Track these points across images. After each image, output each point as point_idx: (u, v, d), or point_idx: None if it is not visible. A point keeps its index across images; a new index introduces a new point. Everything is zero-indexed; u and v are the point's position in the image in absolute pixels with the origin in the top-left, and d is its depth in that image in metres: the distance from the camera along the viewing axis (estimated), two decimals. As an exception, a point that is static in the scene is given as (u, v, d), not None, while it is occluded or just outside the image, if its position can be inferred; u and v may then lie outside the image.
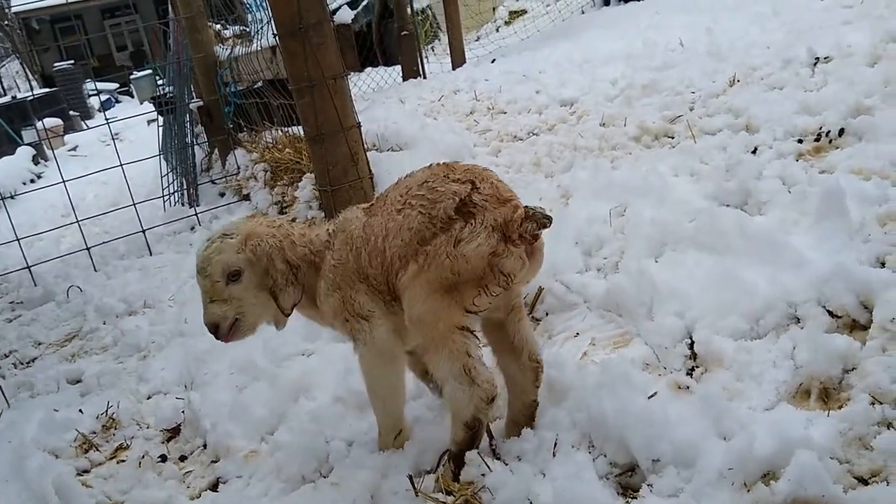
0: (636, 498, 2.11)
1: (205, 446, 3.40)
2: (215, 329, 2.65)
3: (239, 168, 7.30)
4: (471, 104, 6.83)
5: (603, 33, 8.93)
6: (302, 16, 4.10)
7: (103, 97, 27.41)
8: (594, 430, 2.33)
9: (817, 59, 4.86)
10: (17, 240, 7.11)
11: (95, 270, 7.04)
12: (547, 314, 3.38)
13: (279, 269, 2.64)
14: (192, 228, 7.37)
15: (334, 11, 4.10)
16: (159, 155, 9.13)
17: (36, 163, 16.28)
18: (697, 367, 2.66)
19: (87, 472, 3.50)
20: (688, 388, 2.48)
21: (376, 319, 2.56)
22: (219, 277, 2.62)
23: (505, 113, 6.21)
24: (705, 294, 2.88)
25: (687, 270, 3.05)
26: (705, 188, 3.72)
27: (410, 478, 2.47)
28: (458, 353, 2.37)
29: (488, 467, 2.26)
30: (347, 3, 13.02)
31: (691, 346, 2.74)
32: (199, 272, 2.65)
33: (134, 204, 7.33)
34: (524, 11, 15.71)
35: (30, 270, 7.05)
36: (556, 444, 2.34)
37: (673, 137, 4.77)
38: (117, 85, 29.91)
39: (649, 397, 2.38)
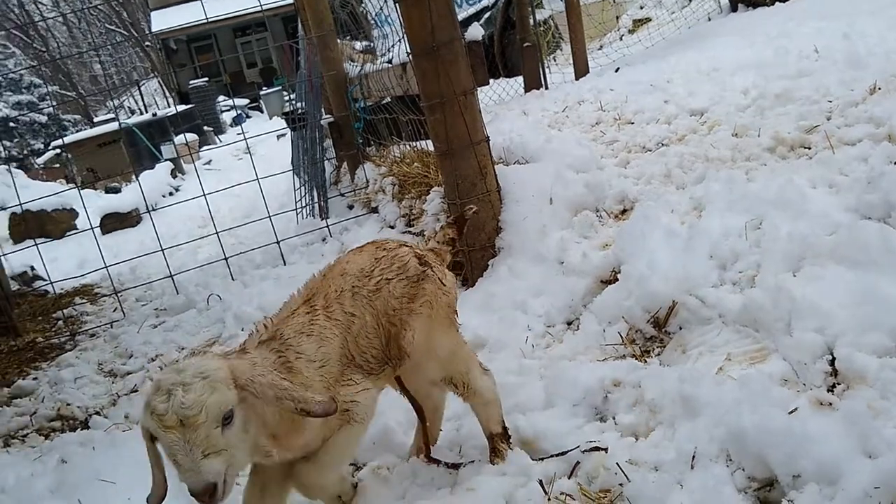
0: (777, 514, 2.10)
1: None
2: (213, 490, 2.06)
3: (368, 182, 7.54)
4: (596, 115, 6.82)
5: (731, 41, 8.72)
6: (435, 35, 4.24)
7: (235, 113, 28.77)
8: (732, 444, 2.33)
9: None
10: (162, 250, 7.58)
11: (233, 279, 7.40)
12: (680, 328, 3.36)
13: (287, 387, 2.25)
14: (324, 240, 7.65)
15: (465, 27, 4.22)
16: (291, 169, 9.54)
17: (174, 176, 17.27)
18: (839, 383, 2.60)
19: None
20: (830, 404, 2.43)
21: (369, 391, 2.58)
22: (215, 422, 2.10)
23: (632, 123, 6.18)
24: (846, 310, 2.81)
25: (827, 285, 2.98)
26: (845, 201, 3.60)
27: (541, 482, 2.54)
28: (473, 357, 2.93)
29: (626, 476, 2.29)
30: (471, 16, 13.24)
31: (832, 362, 2.68)
32: (184, 422, 2.05)
33: (270, 216, 7.68)
34: (648, 20, 15.49)
35: (172, 279, 7.49)
36: (693, 457, 2.35)
37: (809, 148, 4.64)
38: (248, 101, 31.27)
39: (790, 413, 2.35)
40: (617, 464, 2.36)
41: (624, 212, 4.69)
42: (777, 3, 10.88)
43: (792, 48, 6.79)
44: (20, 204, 9.07)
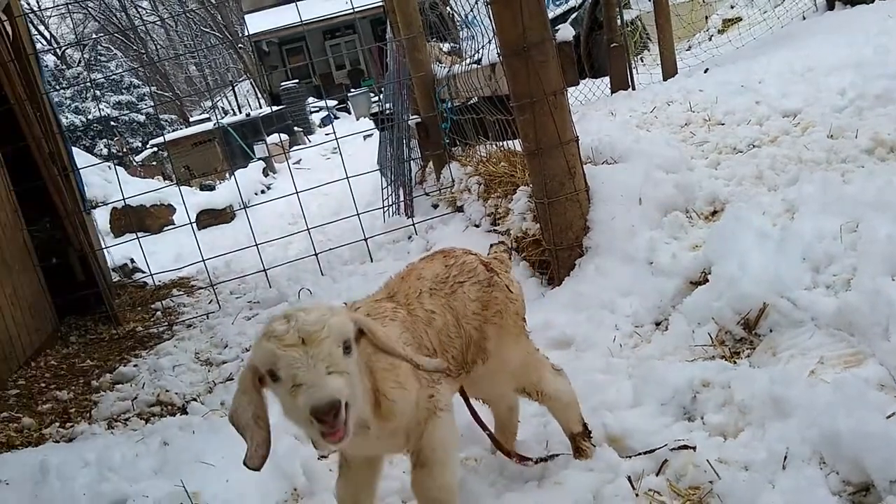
0: (872, 518, 2.08)
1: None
2: (338, 408, 1.93)
3: (453, 181, 7.63)
4: (685, 115, 6.74)
5: (827, 40, 8.47)
6: (526, 36, 4.29)
7: (323, 114, 29.38)
8: (826, 447, 2.30)
9: None
10: (256, 245, 7.85)
11: (322, 275, 7.61)
12: (771, 331, 3.31)
13: (399, 344, 2.27)
14: (410, 238, 7.78)
15: (555, 27, 4.24)
16: (379, 169, 9.74)
17: (265, 175, 17.77)
18: (939, 389, 2.55)
19: (324, 457, 3.86)
20: (930, 410, 2.39)
21: (444, 383, 2.53)
22: (338, 342, 2.02)
23: (722, 124, 6.09)
24: (949, 315, 2.74)
25: (928, 290, 2.91)
26: (949, 204, 3.50)
27: (629, 478, 2.57)
28: (544, 363, 2.90)
29: (717, 474, 2.30)
30: (557, 17, 13.21)
31: (933, 368, 2.62)
32: (307, 338, 1.97)
33: (358, 214, 7.86)
34: (739, 19, 15.15)
35: (266, 273, 7.74)
36: (785, 458, 2.34)
37: (911, 150, 4.51)
38: (336, 102, 31.91)
39: (887, 417, 2.32)
40: (707, 461, 2.37)
41: (714, 213, 4.64)
42: (877, 0, 10.50)
43: (893, 47, 6.57)
44: (124, 199, 9.45)
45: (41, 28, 44.83)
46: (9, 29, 7.57)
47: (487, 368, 2.73)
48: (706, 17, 16.49)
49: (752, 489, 2.07)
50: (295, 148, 21.93)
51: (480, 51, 6.38)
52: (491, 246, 3.11)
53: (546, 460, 2.93)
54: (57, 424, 5.18)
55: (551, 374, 2.89)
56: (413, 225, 7.81)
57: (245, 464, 2.10)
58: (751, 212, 4.02)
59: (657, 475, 2.58)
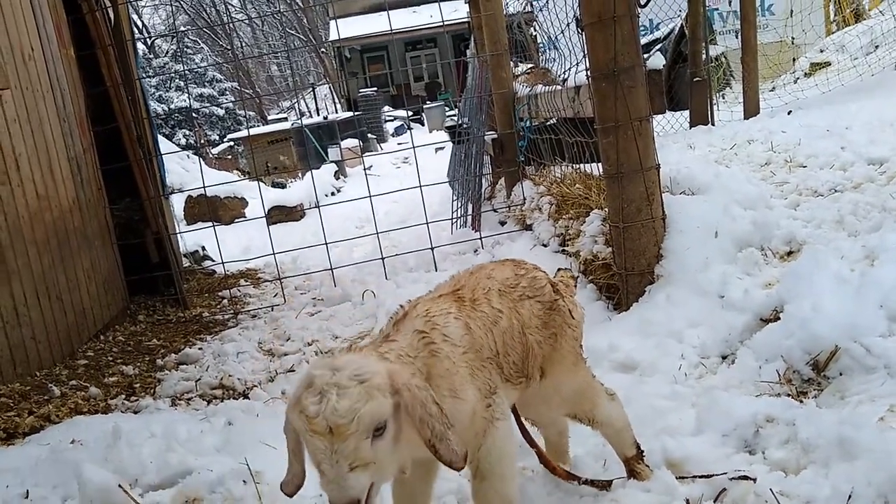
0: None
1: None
2: None
3: (525, 199, 7.69)
4: (766, 155, 6.68)
5: (921, 91, 8.32)
6: (617, 60, 4.34)
7: (397, 123, 29.74)
8: (893, 492, 2.29)
9: None
10: (326, 244, 8.02)
11: (386, 279, 7.74)
12: (840, 374, 3.29)
13: (434, 413, 2.08)
14: (476, 251, 7.86)
15: (647, 56, 4.29)
16: (449, 182, 9.87)
17: (337, 178, 18.07)
18: None
19: None
20: None
21: (500, 391, 2.44)
22: (367, 433, 1.95)
23: (804, 167, 6.03)
24: None
25: None
26: None
27: (687, 501, 2.59)
28: (598, 389, 2.85)
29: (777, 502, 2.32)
30: (644, 45, 13.16)
31: None
32: (333, 430, 1.91)
33: (427, 223, 7.98)
34: (828, 63, 14.88)
35: (332, 272, 7.91)
36: (850, 497, 2.34)
37: None
38: (410, 113, 32.28)
39: (958, 469, 2.30)
40: (770, 490, 2.38)
41: (790, 253, 4.61)
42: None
43: None
44: (204, 186, 9.74)
45: (135, 16, 46.41)
46: (111, 14, 7.91)
47: (541, 389, 2.69)
48: (794, 59, 16.25)
49: (814, 525, 2.08)
50: (367, 154, 22.26)
51: (566, 72, 6.44)
52: (558, 270, 3.09)
53: (594, 484, 2.91)
54: (122, 397, 5.38)
55: (604, 400, 2.84)
56: (480, 239, 7.89)
57: (281, 488, 2.20)
58: (829, 255, 3.99)
59: (714, 502, 2.59)
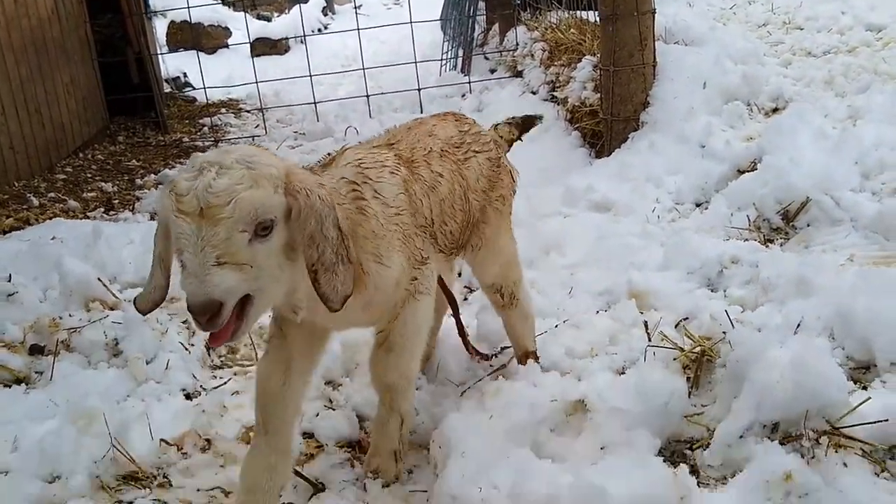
0: (867, 388, 2.20)
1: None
2: (216, 310, 1.63)
3: (517, 45, 7.53)
4: (765, 16, 6.58)
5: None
6: None
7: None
8: (839, 324, 2.42)
9: None
10: (310, 76, 7.85)
11: (370, 117, 7.64)
12: (808, 225, 3.39)
13: (331, 237, 1.79)
14: (463, 95, 7.75)
15: None
16: (441, 20, 9.59)
17: (325, 14, 17.50)
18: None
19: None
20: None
21: (431, 262, 2.22)
22: (245, 224, 1.66)
23: (801, 29, 5.95)
24: None
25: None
26: None
27: (645, 324, 2.74)
28: (521, 268, 2.71)
29: (731, 324, 2.45)
30: None
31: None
32: (206, 210, 1.63)
33: (416, 62, 7.80)
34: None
35: (315, 106, 7.78)
36: (798, 325, 2.46)
37: None
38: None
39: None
40: (726, 311, 2.51)
41: (776, 110, 4.63)
42: None
43: None
44: (189, 7, 9.37)
45: None
46: None
47: (477, 257, 2.52)
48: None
49: (761, 344, 2.19)
50: (358, -7, 21.49)
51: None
52: (497, 125, 2.76)
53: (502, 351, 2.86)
54: (101, 210, 5.40)
55: (526, 283, 2.72)
56: (469, 83, 7.77)
57: (134, 303, 1.91)
58: (814, 112, 4.02)
59: (675, 327, 2.73)
